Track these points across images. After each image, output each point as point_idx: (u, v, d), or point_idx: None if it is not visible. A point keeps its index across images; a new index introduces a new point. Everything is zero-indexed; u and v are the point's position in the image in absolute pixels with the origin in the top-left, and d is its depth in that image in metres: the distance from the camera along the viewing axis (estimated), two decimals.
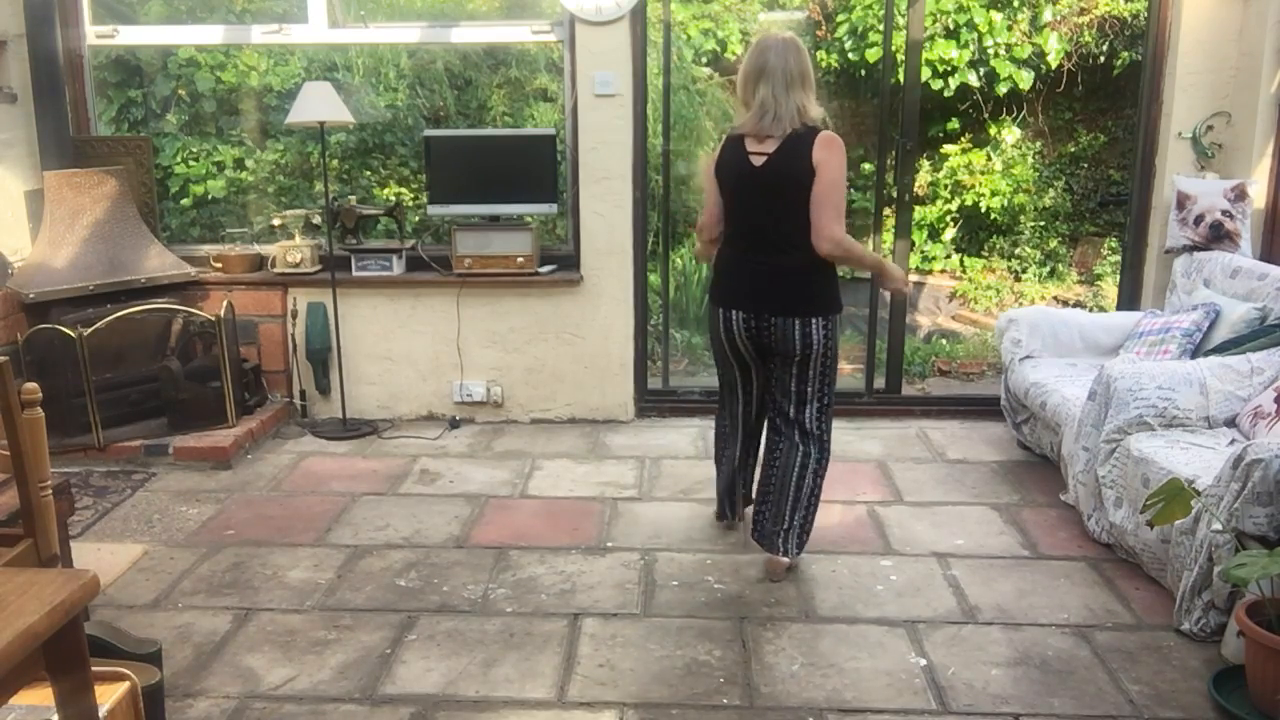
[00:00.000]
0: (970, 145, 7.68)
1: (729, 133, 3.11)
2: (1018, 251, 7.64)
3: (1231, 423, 3.30)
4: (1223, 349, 3.55)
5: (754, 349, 3.13)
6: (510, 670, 2.66)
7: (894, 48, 4.63)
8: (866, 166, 7.36)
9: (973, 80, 7.16)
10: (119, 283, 4.27)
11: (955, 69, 7.07)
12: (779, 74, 2.92)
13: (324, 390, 4.74)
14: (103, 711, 1.69)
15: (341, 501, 3.81)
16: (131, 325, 4.21)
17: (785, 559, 3.15)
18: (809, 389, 3.10)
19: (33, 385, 2.08)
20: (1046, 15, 7.06)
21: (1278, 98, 4.11)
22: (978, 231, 7.80)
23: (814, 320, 2.99)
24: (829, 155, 2.90)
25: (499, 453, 4.36)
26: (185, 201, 5.66)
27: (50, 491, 2.15)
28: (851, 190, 7.54)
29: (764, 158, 2.96)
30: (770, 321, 3.02)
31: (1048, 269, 7.57)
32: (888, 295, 4.73)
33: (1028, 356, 4.19)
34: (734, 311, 3.09)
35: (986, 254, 7.77)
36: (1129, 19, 7.03)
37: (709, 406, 4.78)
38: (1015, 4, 7.06)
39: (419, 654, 2.74)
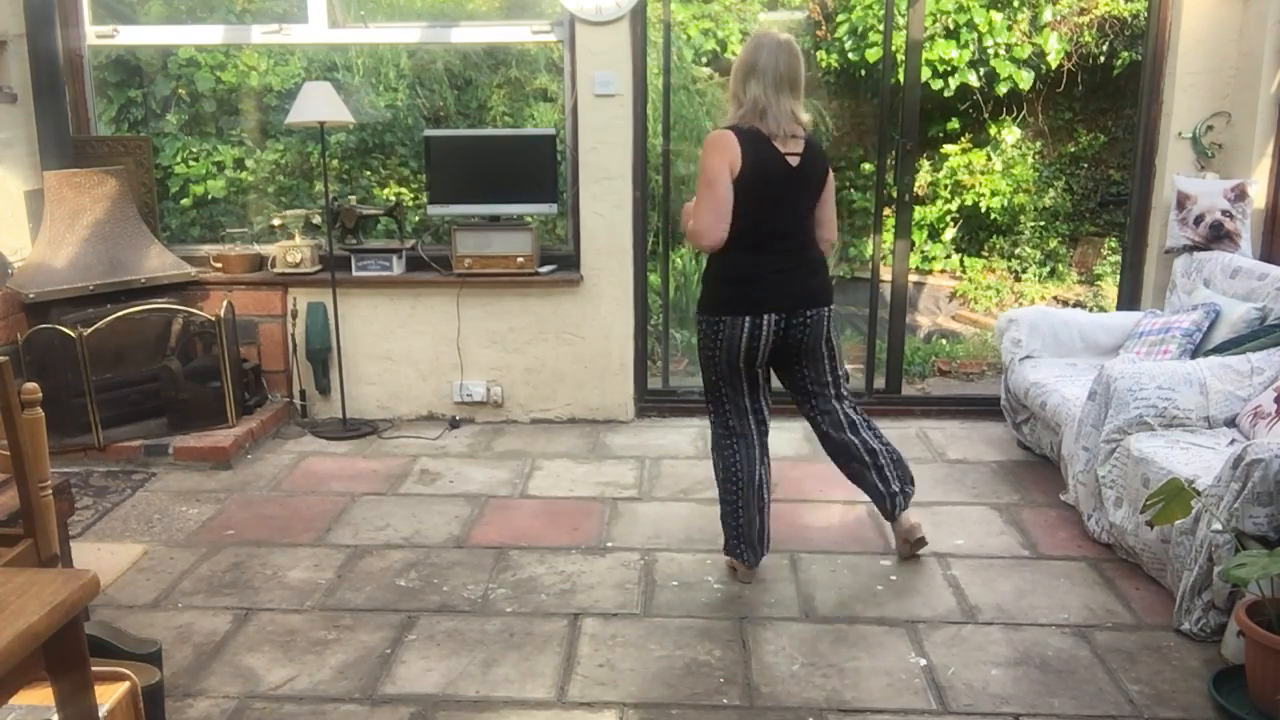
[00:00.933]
0: (970, 145, 7.68)
1: (741, 127, 2.93)
2: (1018, 251, 7.64)
3: (1231, 423, 3.30)
4: (1223, 349, 3.55)
5: (776, 352, 3.06)
6: (510, 670, 2.66)
7: (894, 48, 4.63)
8: (866, 166, 7.37)
9: (973, 80, 7.15)
10: (119, 283, 4.27)
11: (955, 69, 7.07)
12: (769, 75, 2.91)
13: (324, 390, 4.74)
14: (103, 711, 1.69)
15: (341, 501, 3.81)
16: (131, 325, 4.21)
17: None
18: (838, 366, 3.22)
19: (33, 385, 2.08)
20: (1046, 15, 7.06)
21: (1278, 98, 4.11)
22: (978, 231, 7.80)
23: (829, 308, 3.13)
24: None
25: (499, 453, 4.36)
26: (185, 201, 5.66)
27: (50, 491, 2.15)
28: (852, 190, 7.55)
29: (797, 158, 2.97)
30: (804, 316, 3.04)
31: (1048, 269, 7.57)
32: (887, 295, 4.73)
33: (1028, 356, 4.19)
34: (765, 316, 2.98)
35: (986, 254, 7.77)
36: (1129, 19, 7.03)
37: None
38: (1015, 4, 7.06)
39: (419, 654, 2.74)
